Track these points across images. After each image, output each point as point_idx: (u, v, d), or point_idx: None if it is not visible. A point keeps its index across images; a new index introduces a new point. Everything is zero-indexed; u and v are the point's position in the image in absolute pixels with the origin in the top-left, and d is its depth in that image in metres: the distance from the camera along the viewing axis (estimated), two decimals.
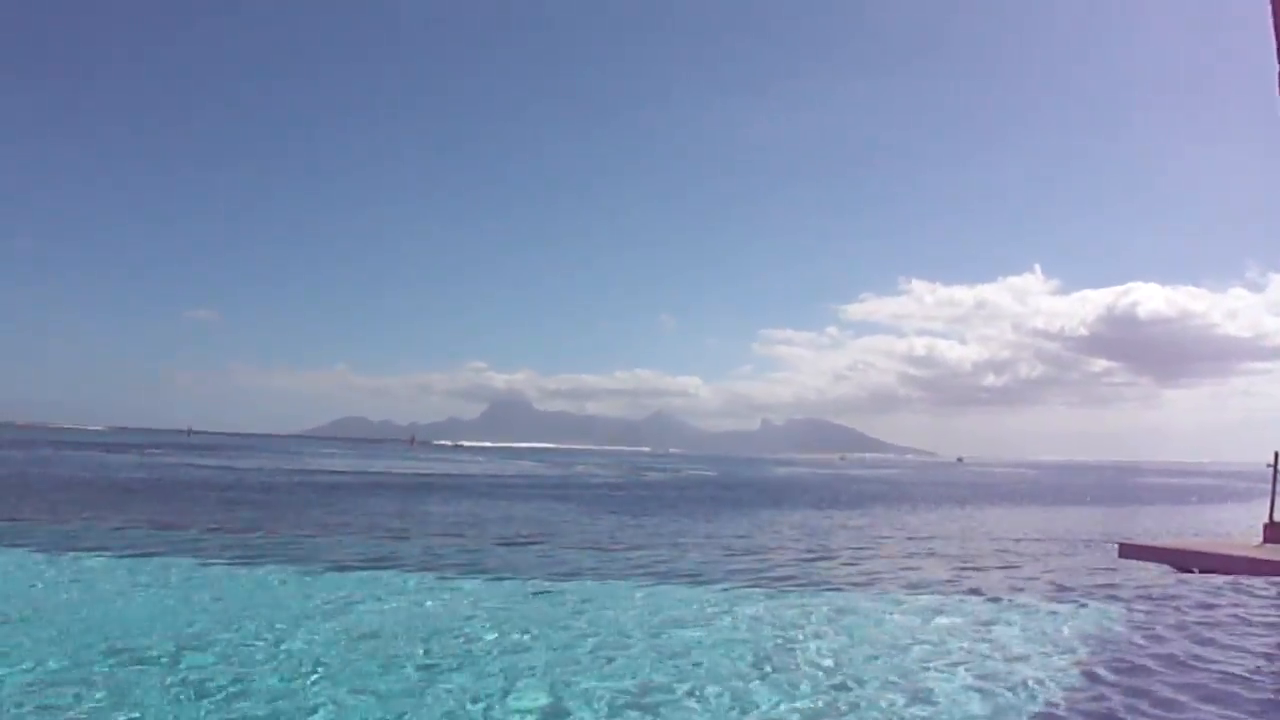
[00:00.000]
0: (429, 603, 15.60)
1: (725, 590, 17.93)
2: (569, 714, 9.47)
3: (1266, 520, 24.02)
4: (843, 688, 10.82)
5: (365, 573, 18.78)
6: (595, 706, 9.62)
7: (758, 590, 18.16)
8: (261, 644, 11.70)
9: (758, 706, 9.85)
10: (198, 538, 24.00)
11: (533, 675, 10.96)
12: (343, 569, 19.23)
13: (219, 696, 9.51)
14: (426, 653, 11.78)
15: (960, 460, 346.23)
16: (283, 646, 11.67)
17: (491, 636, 12.98)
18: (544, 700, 9.82)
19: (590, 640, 12.87)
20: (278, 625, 12.97)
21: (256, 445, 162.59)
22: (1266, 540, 23.41)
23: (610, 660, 11.73)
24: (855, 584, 19.84)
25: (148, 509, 32.52)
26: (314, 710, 9.20)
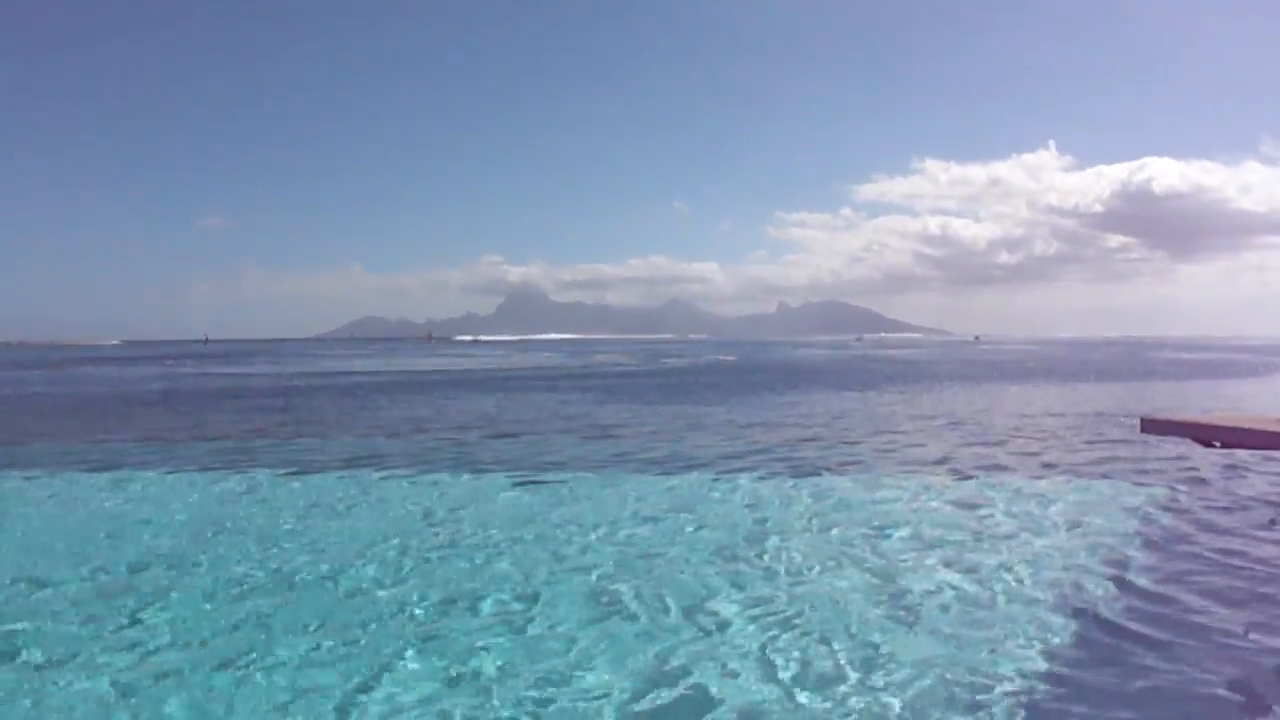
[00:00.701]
0: (411, 503, 15.52)
1: (749, 476, 17.90)
2: (524, 603, 9.53)
3: None
4: (836, 569, 10.77)
5: (358, 471, 18.95)
6: (554, 599, 9.66)
7: (778, 475, 18.09)
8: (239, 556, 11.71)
9: (721, 594, 9.80)
10: (194, 449, 23.99)
11: (500, 564, 11.08)
12: (352, 465, 19.36)
13: (242, 588, 9.59)
14: (403, 550, 11.83)
15: (977, 339, 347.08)
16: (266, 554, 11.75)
17: (473, 530, 13.02)
18: (505, 592, 9.90)
19: (566, 530, 12.97)
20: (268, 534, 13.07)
21: (273, 351, 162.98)
22: None
23: (584, 550, 11.76)
24: (874, 463, 19.77)
25: (163, 420, 32.65)
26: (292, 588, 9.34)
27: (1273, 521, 14.30)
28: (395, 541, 12.32)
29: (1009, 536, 12.61)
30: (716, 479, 17.67)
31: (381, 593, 9.94)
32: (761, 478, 17.68)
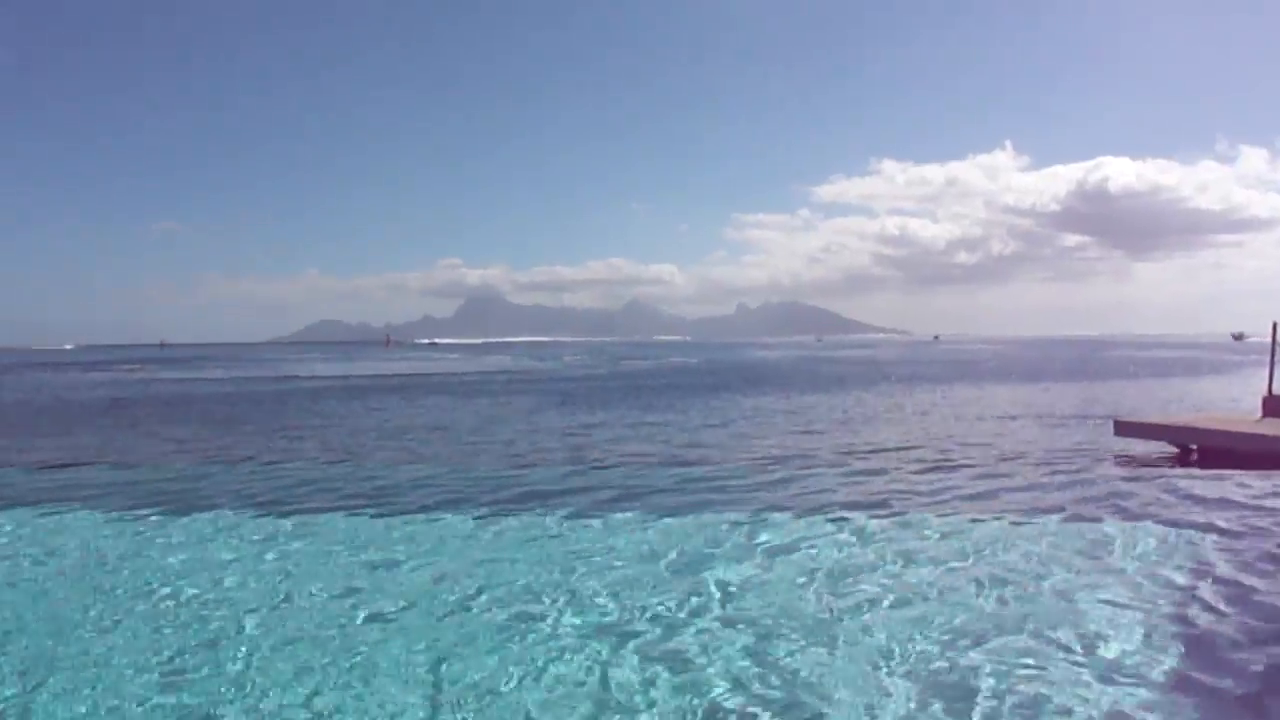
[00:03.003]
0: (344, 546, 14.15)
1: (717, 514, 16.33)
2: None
3: (1265, 393, 23.06)
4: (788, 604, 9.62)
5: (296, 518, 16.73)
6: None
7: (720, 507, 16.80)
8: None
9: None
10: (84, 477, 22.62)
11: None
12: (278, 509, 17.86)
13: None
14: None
15: (936, 338, 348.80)
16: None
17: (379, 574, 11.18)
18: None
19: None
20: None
21: (229, 355, 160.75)
22: (1266, 414, 22.48)
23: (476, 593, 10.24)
24: (844, 473, 18.81)
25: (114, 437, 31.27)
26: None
27: None
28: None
29: (998, 580, 11.28)
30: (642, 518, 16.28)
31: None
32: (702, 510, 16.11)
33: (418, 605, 9.47)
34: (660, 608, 9.34)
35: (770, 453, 22.32)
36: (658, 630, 8.65)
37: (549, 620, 9.06)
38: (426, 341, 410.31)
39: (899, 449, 22.83)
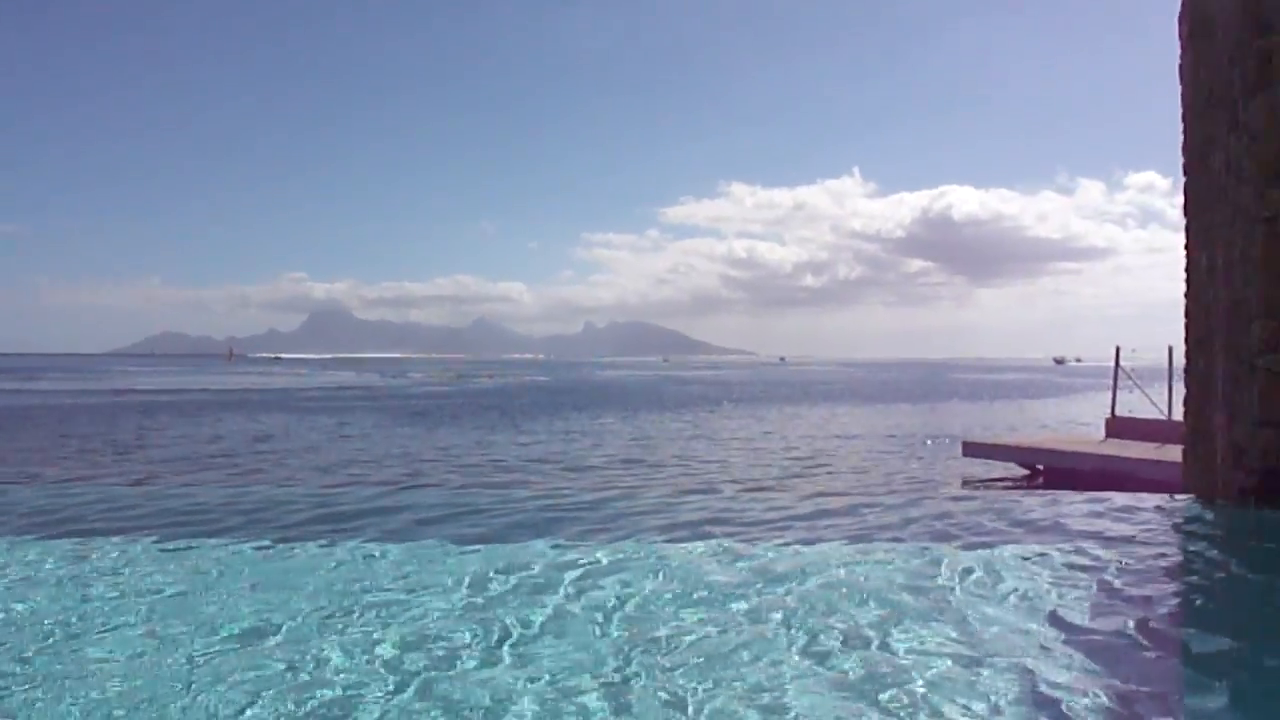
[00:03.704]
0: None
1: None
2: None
3: (1108, 415, 23.32)
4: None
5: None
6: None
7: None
8: None
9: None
10: None
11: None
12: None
13: None
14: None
15: (783, 360, 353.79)
16: None
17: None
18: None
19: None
20: None
21: (62, 366, 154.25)
22: (1109, 435, 22.72)
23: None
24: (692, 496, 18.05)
25: None
26: None
27: None
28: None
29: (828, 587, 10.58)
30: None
31: None
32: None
33: (162, 638, 8.19)
34: (442, 647, 8.15)
35: (603, 475, 21.51)
36: (433, 673, 7.54)
37: (309, 661, 7.83)
38: (270, 356, 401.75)
39: (737, 471, 22.24)
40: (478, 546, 12.44)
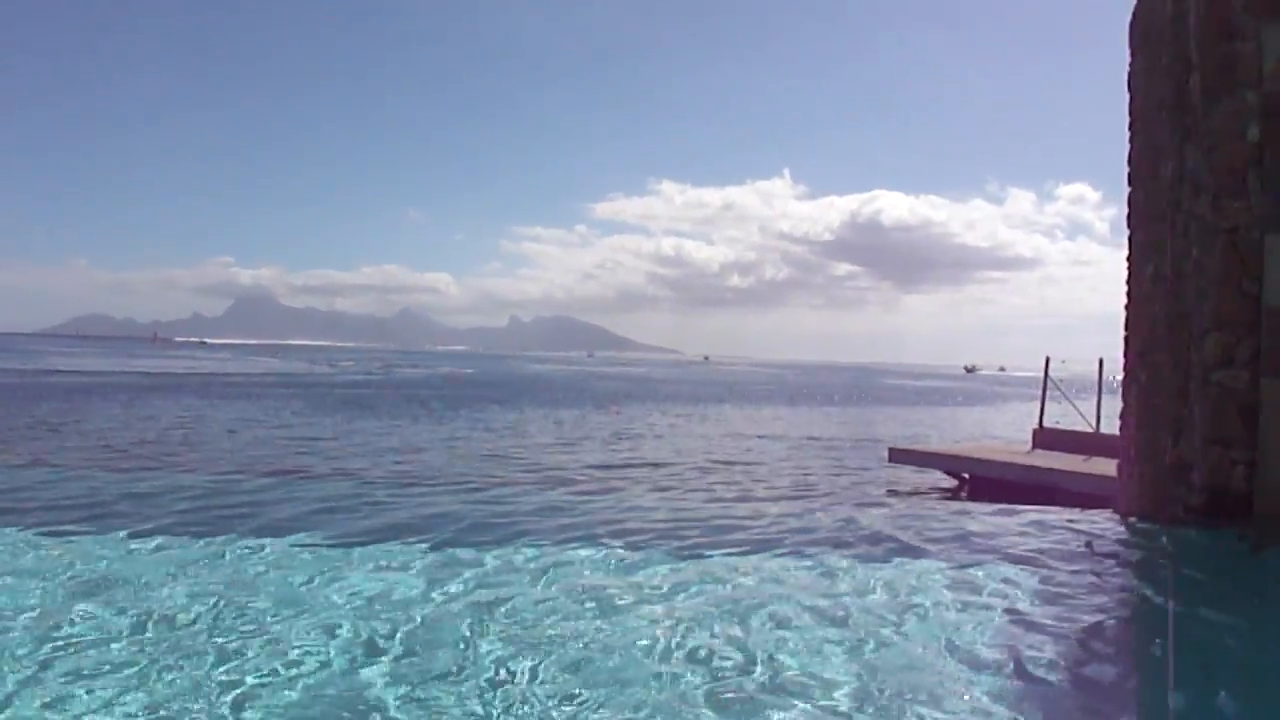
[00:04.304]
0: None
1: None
2: None
3: (1035, 425, 23.22)
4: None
5: None
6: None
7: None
8: None
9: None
10: None
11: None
12: None
13: None
14: None
15: (706, 359, 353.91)
16: None
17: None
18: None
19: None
20: None
21: None
22: (1036, 446, 22.59)
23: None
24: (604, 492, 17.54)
25: None
26: None
27: None
28: None
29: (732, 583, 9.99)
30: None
31: None
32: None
33: None
34: (295, 649, 7.44)
35: (510, 470, 20.91)
36: (292, 673, 6.90)
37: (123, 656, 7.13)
38: (195, 340, 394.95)
39: (647, 471, 21.72)
40: (354, 545, 11.65)
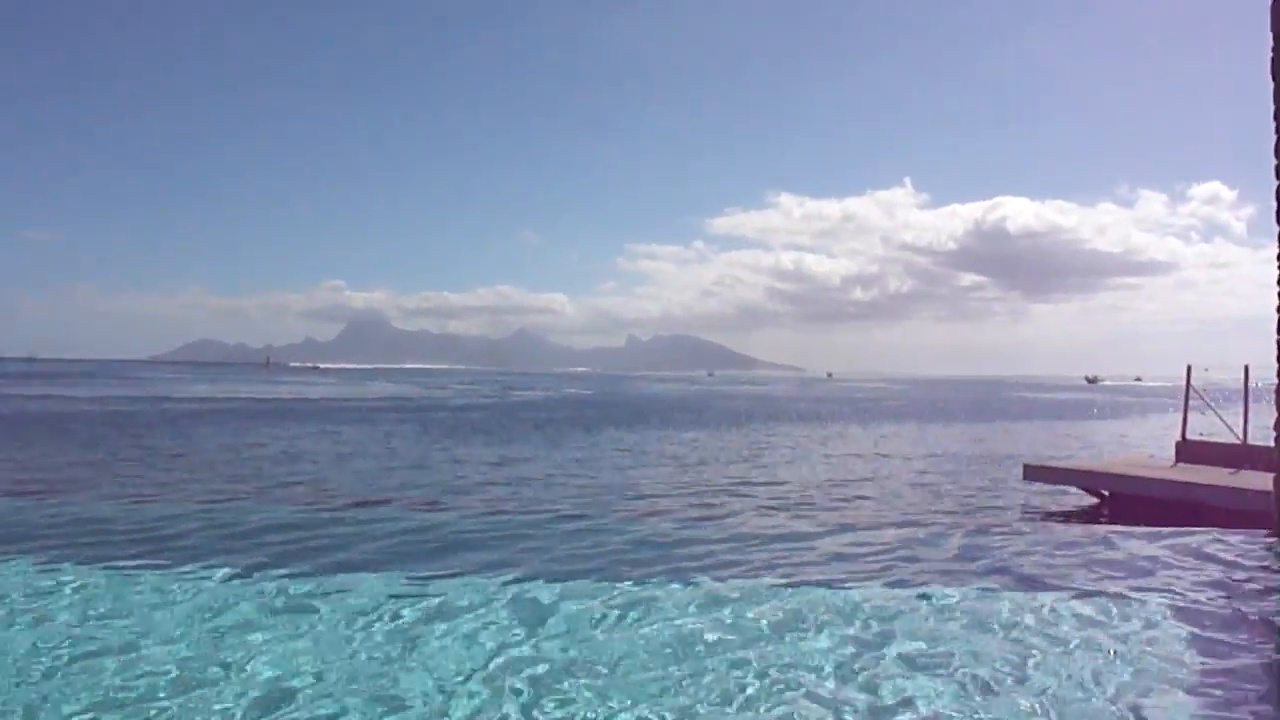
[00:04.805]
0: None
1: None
2: None
3: (1179, 438, 22.68)
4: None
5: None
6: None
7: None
8: None
9: None
10: None
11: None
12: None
13: None
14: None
15: (830, 376, 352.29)
16: None
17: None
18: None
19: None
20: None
21: (100, 372, 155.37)
22: (1179, 459, 22.09)
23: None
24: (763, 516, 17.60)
25: None
26: None
27: None
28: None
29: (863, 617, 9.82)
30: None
31: None
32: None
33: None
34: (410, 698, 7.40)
35: (642, 497, 20.98)
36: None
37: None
38: (308, 365, 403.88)
39: (781, 497, 21.36)
40: (474, 577, 11.39)
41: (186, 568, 11.82)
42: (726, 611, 9.58)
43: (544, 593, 10.32)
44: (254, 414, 51.48)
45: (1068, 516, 19.37)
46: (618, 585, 10.61)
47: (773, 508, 19.45)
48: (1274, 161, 9.99)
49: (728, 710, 6.89)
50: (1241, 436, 21.47)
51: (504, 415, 54.85)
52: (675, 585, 10.76)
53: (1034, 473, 22.13)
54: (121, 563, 12.13)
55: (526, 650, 8.17)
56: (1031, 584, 11.08)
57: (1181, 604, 9.94)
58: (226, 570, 11.63)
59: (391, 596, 10.10)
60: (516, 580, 10.91)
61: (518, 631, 8.74)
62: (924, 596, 10.42)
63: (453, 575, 11.43)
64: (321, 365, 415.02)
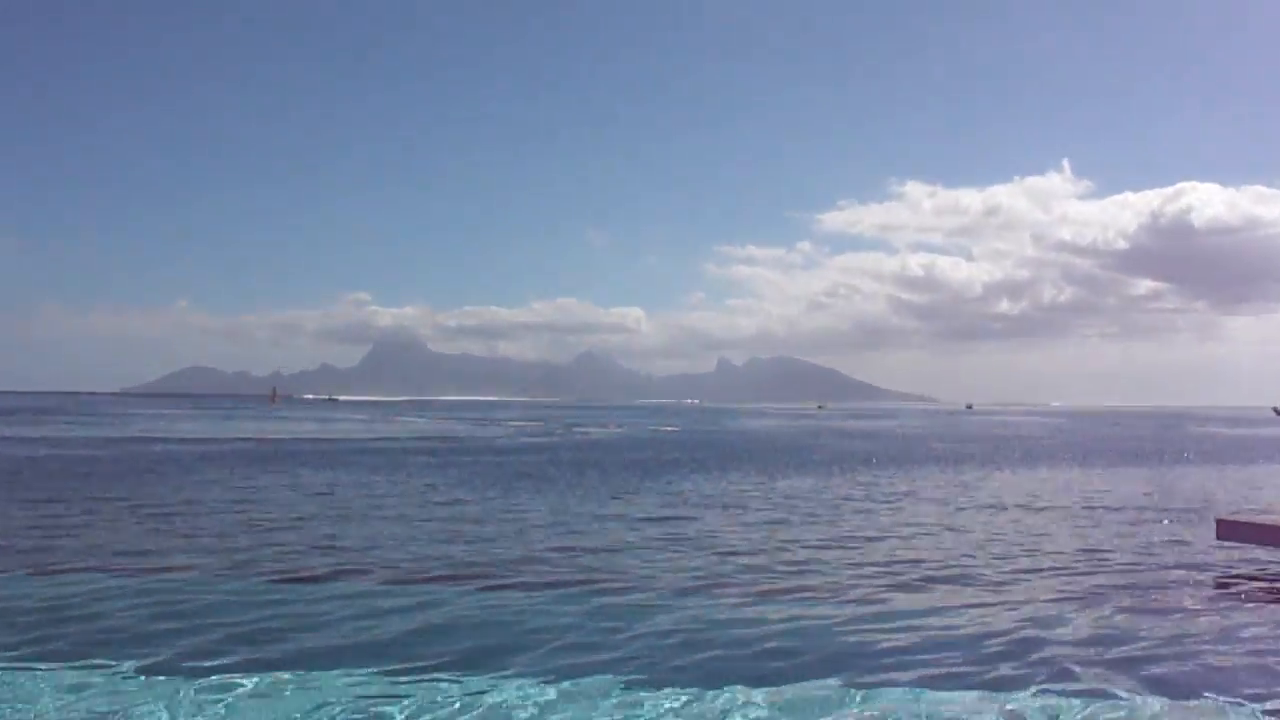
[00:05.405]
0: None
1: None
2: None
3: None
4: None
5: None
6: None
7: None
8: None
9: None
10: None
11: None
12: None
13: None
14: None
15: (970, 408, 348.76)
16: None
17: None
18: None
19: None
20: None
21: (69, 408, 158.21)
22: None
23: None
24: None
25: None
26: None
27: None
28: None
29: None
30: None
31: None
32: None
33: None
34: None
35: (738, 575, 19.95)
36: None
37: None
38: (324, 397, 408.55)
39: (923, 571, 20.44)
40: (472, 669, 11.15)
41: (95, 660, 11.87)
42: None
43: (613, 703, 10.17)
44: (250, 459, 52.16)
45: (1273, 589, 18.72)
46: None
47: (866, 584, 18.72)
48: None
49: None
50: None
51: (566, 459, 55.07)
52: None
53: (1229, 529, 21.69)
54: (10, 653, 12.22)
55: None
56: (1216, 687, 10.63)
57: None
58: (142, 663, 11.67)
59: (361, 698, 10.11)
60: (575, 686, 10.73)
61: None
62: (1061, 709, 10.08)
63: (490, 675, 11.36)
64: (340, 397, 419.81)
